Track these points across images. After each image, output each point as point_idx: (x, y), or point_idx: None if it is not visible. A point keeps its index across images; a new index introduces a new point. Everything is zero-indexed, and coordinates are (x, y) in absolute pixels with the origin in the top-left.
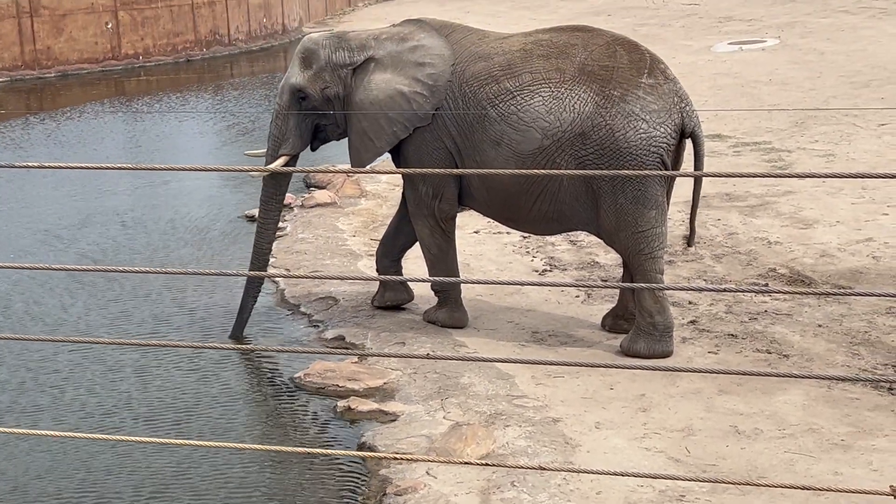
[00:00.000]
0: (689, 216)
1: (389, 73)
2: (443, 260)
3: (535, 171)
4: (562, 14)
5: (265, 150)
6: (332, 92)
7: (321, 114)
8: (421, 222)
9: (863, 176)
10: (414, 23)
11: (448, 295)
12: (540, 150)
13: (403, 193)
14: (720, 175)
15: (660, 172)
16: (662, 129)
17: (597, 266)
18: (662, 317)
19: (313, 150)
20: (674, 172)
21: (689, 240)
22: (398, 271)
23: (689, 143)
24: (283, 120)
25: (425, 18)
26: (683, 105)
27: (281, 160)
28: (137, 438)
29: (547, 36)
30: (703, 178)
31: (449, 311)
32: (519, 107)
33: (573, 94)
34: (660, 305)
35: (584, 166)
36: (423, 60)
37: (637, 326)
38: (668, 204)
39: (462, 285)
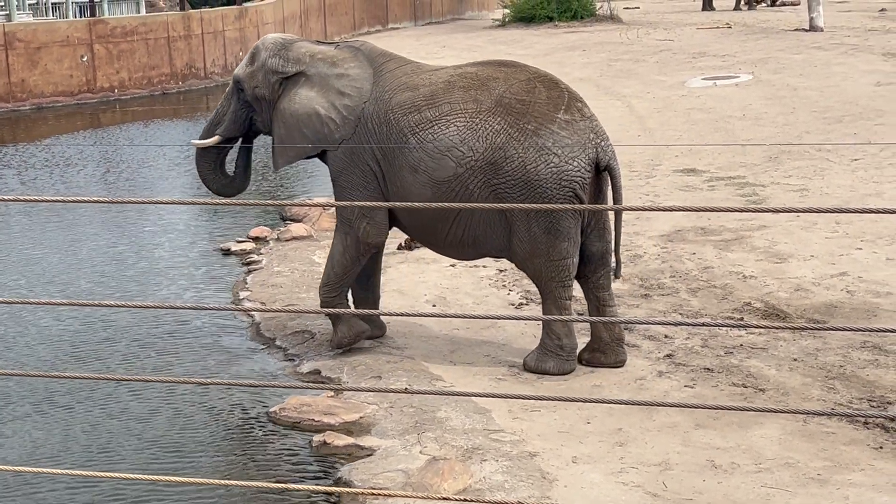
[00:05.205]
0: (618, 248)
1: (314, 92)
2: (341, 281)
3: (496, 205)
4: (537, 49)
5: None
6: (260, 93)
7: (253, 109)
8: (339, 238)
9: (837, 211)
10: (351, 50)
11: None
12: (454, 178)
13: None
14: (637, 209)
15: (617, 207)
16: (575, 164)
17: (573, 300)
18: (570, 339)
19: (251, 138)
20: (632, 206)
21: (616, 271)
22: (376, 300)
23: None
24: (225, 103)
25: (365, 47)
26: (599, 141)
27: (215, 139)
28: (109, 474)
29: (473, 69)
30: (625, 212)
31: (346, 326)
32: (435, 135)
33: (487, 125)
34: (567, 329)
35: (498, 194)
36: (344, 90)
37: (544, 347)
38: (618, 235)
39: (424, 318)
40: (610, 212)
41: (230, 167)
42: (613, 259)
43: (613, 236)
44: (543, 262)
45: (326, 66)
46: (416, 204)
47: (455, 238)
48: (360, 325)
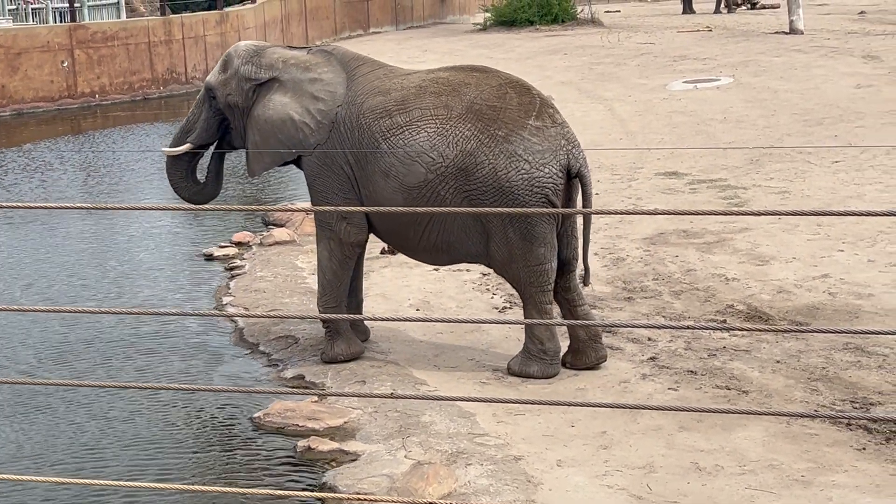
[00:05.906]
0: (586, 253)
1: (288, 97)
2: (336, 287)
3: (477, 209)
4: (518, 52)
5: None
6: (233, 101)
7: (225, 117)
8: (322, 244)
9: (818, 213)
10: (324, 54)
11: (337, 325)
12: (425, 183)
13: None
14: (619, 212)
15: (586, 210)
16: (546, 170)
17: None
18: (552, 343)
19: (228, 149)
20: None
21: (585, 278)
22: (359, 305)
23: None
24: (196, 111)
25: (337, 51)
26: (570, 147)
27: (186, 147)
28: (94, 481)
29: (445, 74)
30: (605, 216)
31: (346, 344)
32: (406, 141)
33: (457, 131)
34: (550, 333)
35: (471, 200)
36: (318, 95)
37: (527, 351)
38: (578, 240)
39: (408, 322)
40: (578, 219)
41: (201, 174)
42: (582, 267)
43: (581, 243)
44: (521, 267)
45: (299, 72)
46: (395, 209)
47: (429, 243)
48: (359, 347)
